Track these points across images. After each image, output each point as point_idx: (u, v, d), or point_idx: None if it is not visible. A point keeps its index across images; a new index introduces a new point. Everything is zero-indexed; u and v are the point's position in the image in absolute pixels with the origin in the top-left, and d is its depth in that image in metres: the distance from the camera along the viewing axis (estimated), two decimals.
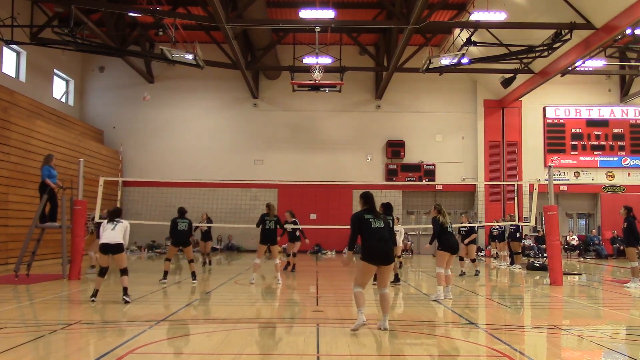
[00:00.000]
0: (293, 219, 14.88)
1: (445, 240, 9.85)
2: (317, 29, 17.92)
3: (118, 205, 17.20)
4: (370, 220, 6.79)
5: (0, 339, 6.17)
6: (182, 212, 12.17)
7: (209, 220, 17.24)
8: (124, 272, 9.03)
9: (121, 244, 8.96)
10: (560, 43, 17.36)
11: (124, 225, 9.12)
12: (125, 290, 8.95)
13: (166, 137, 25.04)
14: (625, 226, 12.17)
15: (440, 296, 9.61)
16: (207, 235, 16.88)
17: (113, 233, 8.94)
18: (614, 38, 17.22)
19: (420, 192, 25.16)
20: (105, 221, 9.25)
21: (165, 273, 11.93)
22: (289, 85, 20.62)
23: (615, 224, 21.56)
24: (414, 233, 25.27)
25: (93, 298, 8.89)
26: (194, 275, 11.99)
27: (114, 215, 9.25)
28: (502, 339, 6.54)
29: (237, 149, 25.13)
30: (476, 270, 14.81)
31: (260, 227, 11.95)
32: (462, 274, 14.46)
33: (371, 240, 6.71)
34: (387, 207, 11.69)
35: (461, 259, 14.93)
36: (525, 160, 25.15)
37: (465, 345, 6.33)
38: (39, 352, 5.84)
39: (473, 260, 15.29)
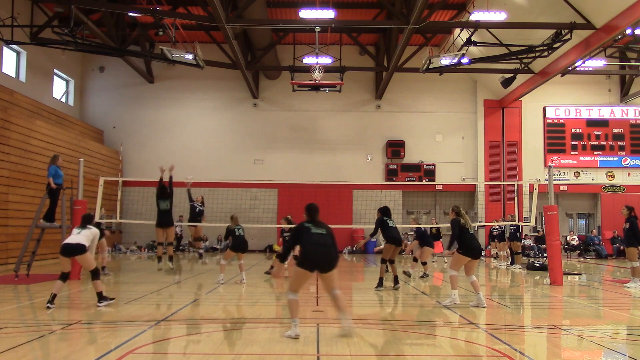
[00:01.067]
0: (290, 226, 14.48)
1: (466, 243, 9.16)
2: (317, 29, 17.93)
3: (118, 205, 17.20)
4: (309, 226, 6.72)
5: (0, 339, 6.16)
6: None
7: (203, 203, 16.15)
8: (94, 275, 8.67)
9: (82, 245, 8.55)
10: (560, 43, 17.36)
11: (92, 232, 8.83)
12: (99, 295, 8.62)
13: (166, 137, 25.04)
14: (627, 226, 12.05)
15: (455, 300, 9.07)
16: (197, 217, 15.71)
17: (77, 237, 8.66)
18: (614, 38, 17.21)
19: (420, 192, 25.16)
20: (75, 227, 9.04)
21: (159, 258, 12.71)
22: (289, 85, 20.62)
23: (615, 224, 21.56)
24: (413, 233, 25.23)
25: (49, 305, 8.32)
26: (171, 258, 12.89)
27: (84, 221, 9.01)
28: (502, 339, 6.54)
29: (237, 149, 25.13)
30: (424, 273, 13.90)
31: (230, 238, 12.16)
32: (408, 274, 13.72)
33: (309, 245, 6.57)
34: (385, 211, 11.51)
35: (415, 259, 14.27)
36: (525, 160, 25.16)
37: (465, 345, 6.33)
38: (39, 352, 5.83)
39: (424, 263, 14.09)
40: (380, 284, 11.21)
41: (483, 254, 23.67)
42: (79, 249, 8.54)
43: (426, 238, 14.47)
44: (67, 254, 8.59)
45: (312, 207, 6.97)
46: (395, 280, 11.30)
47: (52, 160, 13.11)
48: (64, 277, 8.66)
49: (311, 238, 6.62)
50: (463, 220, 9.23)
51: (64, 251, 8.62)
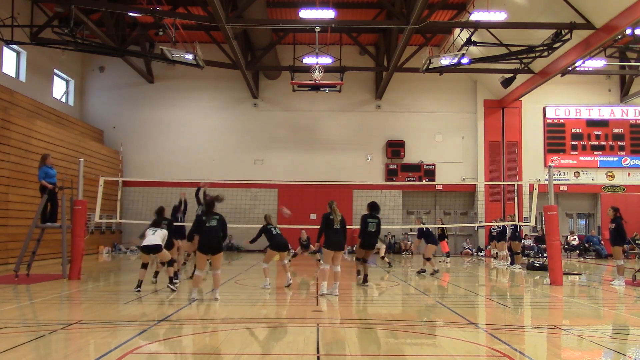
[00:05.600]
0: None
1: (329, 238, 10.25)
2: (317, 29, 17.92)
3: (118, 205, 17.19)
4: (204, 220, 9.16)
5: (0, 339, 6.17)
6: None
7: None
8: (169, 264, 10.64)
9: (159, 245, 10.37)
10: (560, 43, 17.36)
11: (163, 232, 10.61)
12: (170, 279, 10.58)
13: (166, 137, 25.04)
14: (613, 227, 12.61)
15: (334, 292, 9.97)
16: None
17: (153, 237, 10.37)
18: (614, 38, 17.21)
19: (420, 192, 25.16)
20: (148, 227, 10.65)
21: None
22: (289, 85, 20.62)
23: None
24: (414, 233, 25.25)
25: (138, 289, 10.22)
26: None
27: (157, 224, 10.73)
28: (502, 339, 6.54)
29: (237, 149, 25.13)
30: (434, 270, 14.49)
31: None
32: (422, 271, 14.48)
33: (203, 236, 9.13)
34: (374, 206, 11.60)
35: (428, 259, 14.49)
36: (525, 160, 25.15)
37: (465, 345, 6.33)
38: (39, 352, 5.83)
39: (428, 259, 14.52)
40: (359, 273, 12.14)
41: (482, 253, 23.72)
42: (157, 248, 10.34)
43: (430, 236, 14.80)
44: (147, 252, 10.47)
45: (209, 202, 9.45)
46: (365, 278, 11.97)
47: (41, 161, 13.00)
48: (145, 266, 10.52)
49: (205, 230, 9.17)
50: (333, 216, 10.03)
51: (145, 250, 10.43)
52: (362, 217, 11.48)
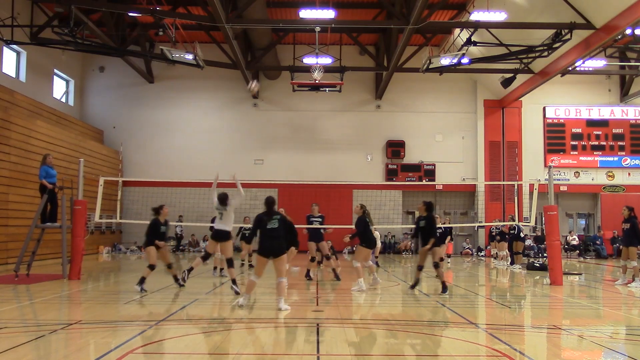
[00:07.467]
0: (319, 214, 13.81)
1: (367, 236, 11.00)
2: (317, 29, 17.92)
3: (118, 205, 17.20)
4: (266, 220, 8.49)
5: (0, 339, 6.16)
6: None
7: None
8: (229, 263, 10.20)
9: (228, 231, 10.01)
10: (560, 43, 17.36)
11: (230, 214, 10.15)
12: (234, 281, 10.05)
13: (166, 137, 25.04)
14: (628, 226, 12.23)
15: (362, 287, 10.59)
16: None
17: (222, 223, 10.03)
18: (614, 38, 17.22)
19: (420, 192, 25.12)
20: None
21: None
22: (289, 85, 20.62)
23: (615, 224, 21.53)
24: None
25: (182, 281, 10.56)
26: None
27: (223, 201, 10.17)
28: (502, 339, 6.54)
29: (237, 149, 25.13)
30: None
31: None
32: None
33: (264, 238, 8.43)
34: (429, 206, 11.12)
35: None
36: (525, 160, 25.15)
37: (465, 345, 6.33)
38: (39, 352, 5.83)
39: (441, 260, 14.48)
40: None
41: (483, 253, 23.72)
42: (225, 235, 10.03)
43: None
44: (216, 239, 10.11)
45: (268, 201, 8.80)
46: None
47: (42, 161, 13.03)
48: (207, 257, 10.35)
49: (266, 231, 8.40)
50: (369, 219, 11.04)
51: (214, 237, 10.13)
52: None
